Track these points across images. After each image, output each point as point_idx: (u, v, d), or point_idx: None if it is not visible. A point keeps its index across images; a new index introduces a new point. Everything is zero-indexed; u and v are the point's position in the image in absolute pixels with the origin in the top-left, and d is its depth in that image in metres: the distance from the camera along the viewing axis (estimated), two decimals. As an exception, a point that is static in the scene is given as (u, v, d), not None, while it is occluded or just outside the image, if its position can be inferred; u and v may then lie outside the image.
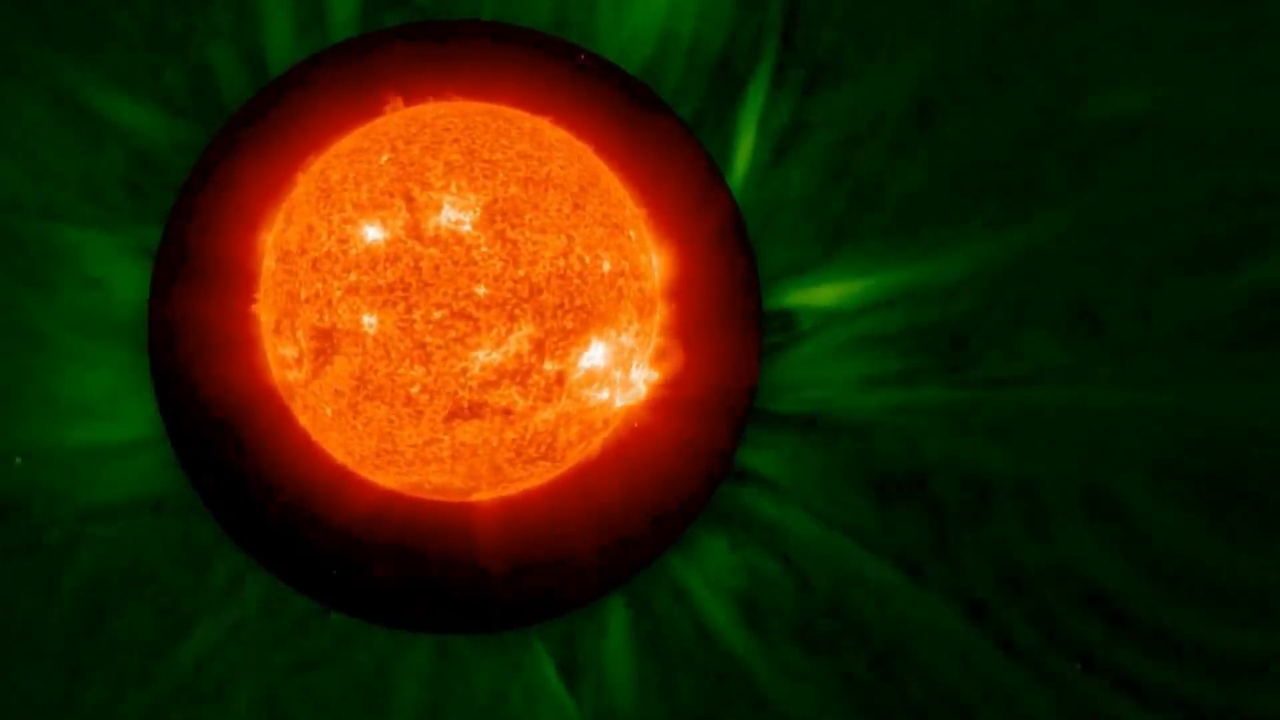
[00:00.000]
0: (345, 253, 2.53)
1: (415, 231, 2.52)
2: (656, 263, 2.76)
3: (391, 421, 2.55)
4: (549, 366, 2.54)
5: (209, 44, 2.79)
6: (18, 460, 2.63)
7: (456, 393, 2.52)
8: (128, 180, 2.77)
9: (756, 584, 2.82)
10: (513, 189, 2.56)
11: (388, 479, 2.68)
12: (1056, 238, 2.80)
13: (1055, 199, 2.78)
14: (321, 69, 2.77)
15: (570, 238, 2.57)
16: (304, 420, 2.68)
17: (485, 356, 2.51)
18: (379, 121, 2.72)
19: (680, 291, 2.77)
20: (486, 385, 2.52)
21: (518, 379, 2.53)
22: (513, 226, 2.54)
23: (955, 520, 2.79)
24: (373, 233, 2.53)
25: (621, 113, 2.79)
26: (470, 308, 2.50)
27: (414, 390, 2.51)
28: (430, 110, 2.71)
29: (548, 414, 2.58)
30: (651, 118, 2.80)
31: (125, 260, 2.77)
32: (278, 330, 2.61)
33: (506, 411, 2.55)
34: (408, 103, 2.74)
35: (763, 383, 2.81)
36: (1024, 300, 2.79)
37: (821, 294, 2.83)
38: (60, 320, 2.75)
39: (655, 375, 2.72)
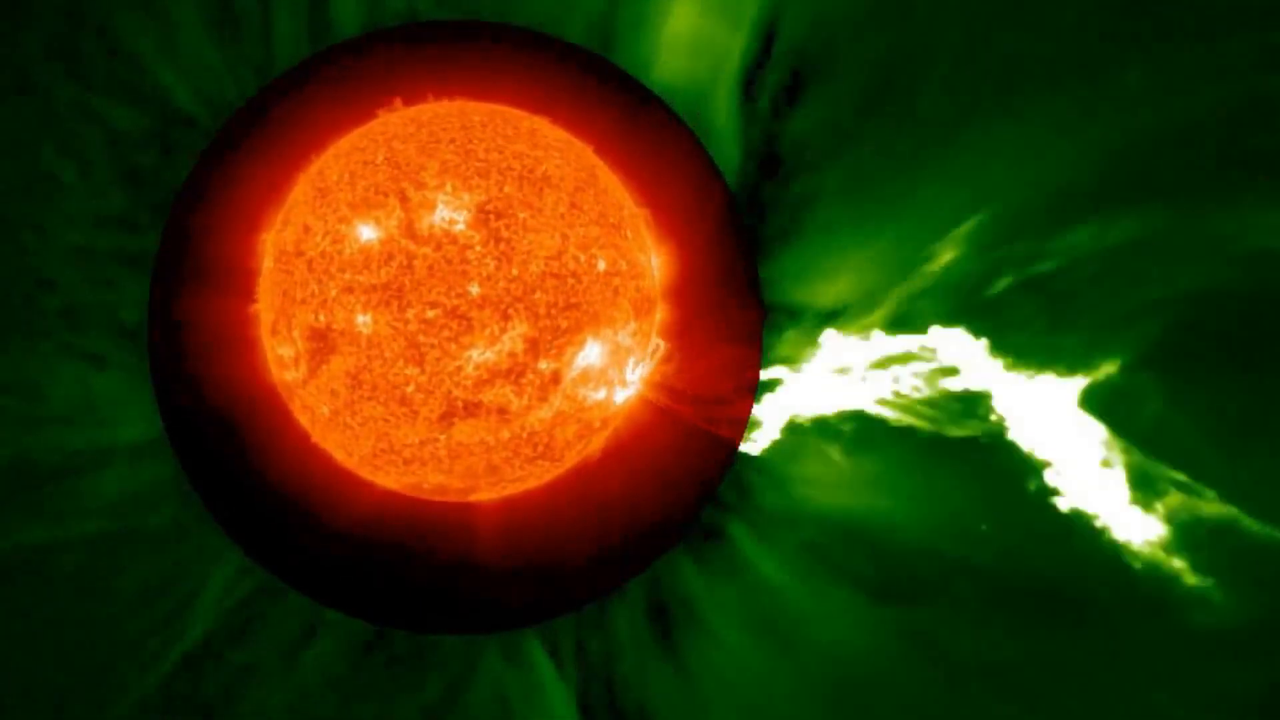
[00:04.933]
0: (340, 252, 2.53)
1: (409, 231, 2.52)
2: (656, 262, 2.74)
3: (388, 421, 2.55)
4: (544, 365, 2.53)
5: (209, 44, 2.80)
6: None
7: (451, 392, 2.51)
8: (128, 180, 2.78)
9: (758, 581, 2.80)
10: (507, 188, 2.56)
11: (386, 479, 2.68)
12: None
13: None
14: (322, 69, 2.77)
15: (565, 237, 2.56)
16: (303, 420, 2.68)
17: (479, 355, 2.50)
18: (377, 121, 2.72)
19: (680, 290, 2.76)
20: (481, 384, 2.52)
21: (512, 378, 2.52)
22: (507, 226, 2.53)
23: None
24: (367, 232, 2.53)
25: (621, 113, 2.78)
26: (464, 307, 2.49)
27: (409, 390, 2.51)
28: (428, 110, 2.71)
29: (544, 413, 2.57)
30: (651, 117, 2.79)
31: (126, 261, 2.78)
32: (274, 331, 2.62)
33: (502, 411, 2.54)
34: (407, 103, 2.74)
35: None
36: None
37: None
38: (61, 320, 2.76)
39: (654, 374, 2.71)
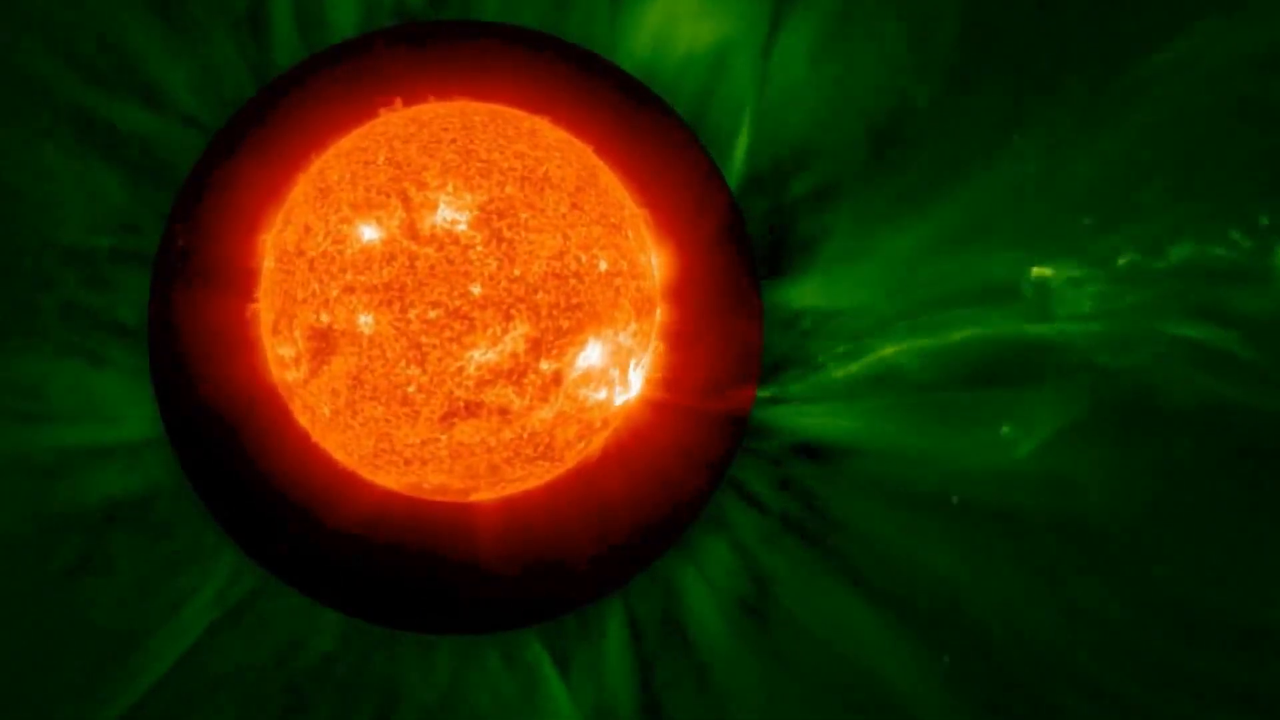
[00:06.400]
0: (341, 252, 2.54)
1: (411, 231, 2.52)
2: (656, 262, 2.75)
3: (389, 421, 2.55)
4: (545, 366, 2.54)
5: (209, 44, 2.80)
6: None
7: (452, 392, 2.52)
8: (128, 180, 2.78)
9: (755, 584, 2.81)
10: (509, 189, 2.56)
11: (387, 479, 2.68)
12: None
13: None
14: (322, 69, 2.77)
15: (566, 237, 2.57)
16: (303, 420, 2.68)
17: (481, 356, 2.51)
18: (378, 121, 2.72)
19: (680, 291, 2.76)
20: (482, 385, 2.52)
21: (514, 378, 2.53)
22: (509, 226, 2.54)
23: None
24: (369, 232, 2.53)
25: (621, 113, 2.78)
26: (466, 307, 2.50)
27: (410, 390, 2.52)
28: (429, 110, 2.71)
29: (545, 413, 2.58)
30: (651, 117, 2.79)
31: (125, 261, 2.78)
32: (276, 330, 2.62)
33: (503, 411, 2.55)
34: (407, 103, 2.74)
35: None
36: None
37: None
38: (61, 320, 2.76)
39: (655, 374, 2.71)
